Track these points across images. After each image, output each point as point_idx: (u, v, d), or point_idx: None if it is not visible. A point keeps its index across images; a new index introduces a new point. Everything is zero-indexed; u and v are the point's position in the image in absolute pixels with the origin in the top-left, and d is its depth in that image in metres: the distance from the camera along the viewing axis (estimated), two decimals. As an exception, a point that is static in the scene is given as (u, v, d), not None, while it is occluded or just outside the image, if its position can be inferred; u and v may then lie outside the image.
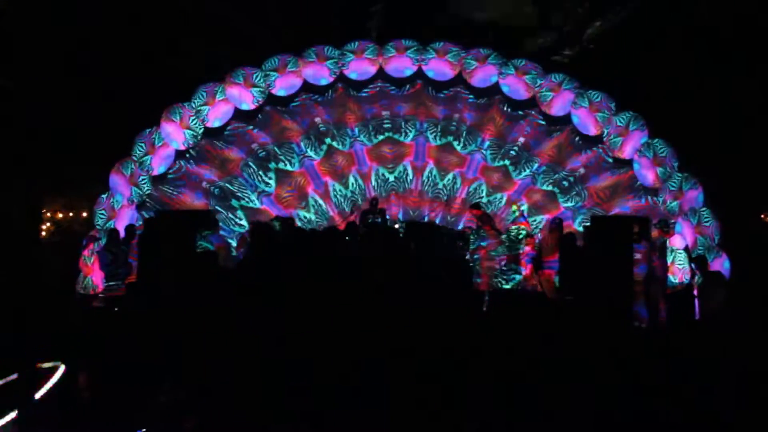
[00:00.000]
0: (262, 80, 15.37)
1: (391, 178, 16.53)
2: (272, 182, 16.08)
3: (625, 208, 14.85)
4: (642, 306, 11.81)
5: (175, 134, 14.93)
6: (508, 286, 12.55)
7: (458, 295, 9.18)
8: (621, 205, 14.93)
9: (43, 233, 15.41)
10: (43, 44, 15.21)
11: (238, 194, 15.77)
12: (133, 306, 10.79)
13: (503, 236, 13.06)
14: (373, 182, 16.50)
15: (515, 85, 15.31)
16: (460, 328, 7.97)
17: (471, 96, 15.84)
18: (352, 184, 16.47)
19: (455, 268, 10.82)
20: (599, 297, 9.88)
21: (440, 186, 16.45)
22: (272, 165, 16.04)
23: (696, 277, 12.41)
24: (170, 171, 15.22)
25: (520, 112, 15.69)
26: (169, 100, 15.03)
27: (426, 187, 16.49)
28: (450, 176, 16.41)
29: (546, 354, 7.75)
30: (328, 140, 16.27)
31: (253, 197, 15.89)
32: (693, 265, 12.65)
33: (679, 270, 12.94)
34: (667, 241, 12.64)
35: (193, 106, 15.03)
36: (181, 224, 11.07)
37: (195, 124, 15.05)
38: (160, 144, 14.78)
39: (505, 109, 15.76)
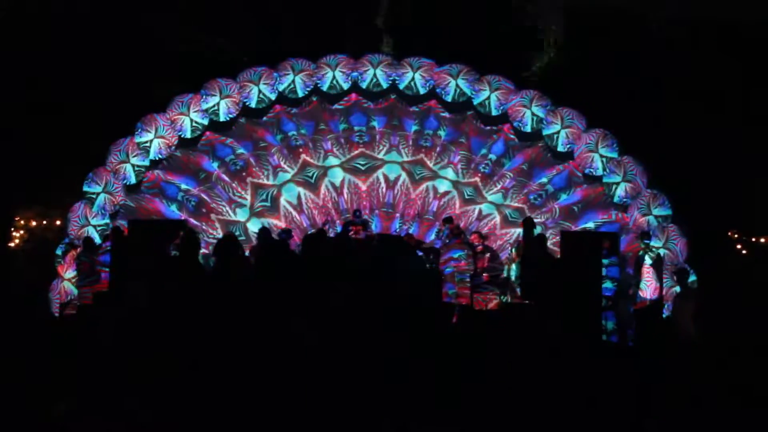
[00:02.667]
0: (236, 92, 15.48)
1: (364, 188, 16.55)
2: (248, 195, 16.11)
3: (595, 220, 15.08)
4: (611, 320, 12.03)
5: (149, 144, 14.95)
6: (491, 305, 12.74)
7: (428, 306, 9.21)
8: (589, 219, 15.14)
9: (16, 240, 15.29)
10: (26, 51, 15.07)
11: (213, 205, 15.79)
12: (104, 315, 10.74)
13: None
14: (346, 192, 16.53)
15: (488, 101, 15.52)
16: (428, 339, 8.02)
17: (444, 110, 16.01)
18: (324, 194, 16.50)
19: (426, 280, 10.85)
20: (565, 307, 9.98)
21: (413, 197, 16.50)
22: (248, 179, 16.09)
23: (673, 290, 12.65)
24: (144, 180, 15.23)
25: (493, 128, 15.87)
26: (144, 109, 15.05)
27: (398, 199, 16.57)
28: (422, 188, 16.47)
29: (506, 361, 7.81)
30: (302, 156, 16.38)
31: (227, 209, 15.91)
32: (674, 278, 12.89)
33: (647, 286, 13.09)
34: (645, 256, 12.86)
35: (168, 116, 15.05)
36: (153, 234, 11.07)
37: (169, 134, 15.08)
38: (134, 154, 14.78)
39: (477, 124, 15.93)
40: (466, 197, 16.25)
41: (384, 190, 16.54)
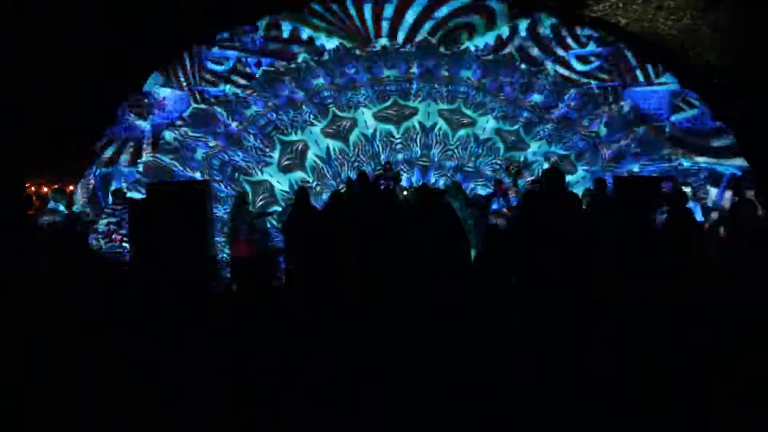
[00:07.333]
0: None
1: (398, 136, 15.39)
2: (276, 153, 15.13)
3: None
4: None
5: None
6: None
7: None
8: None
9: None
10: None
11: (244, 167, 14.89)
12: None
13: None
14: (378, 141, 15.40)
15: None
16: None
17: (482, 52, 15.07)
18: (355, 144, 15.37)
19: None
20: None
21: (451, 143, 15.37)
22: (276, 137, 15.11)
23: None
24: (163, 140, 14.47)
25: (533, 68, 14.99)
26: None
27: (436, 144, 15.47)
28: (462, 133, 15.35)
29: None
30: (332, 108, 15.32)
31: (256, 169, 14.98)
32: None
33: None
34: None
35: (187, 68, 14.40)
36: (170, 197, 10.13)
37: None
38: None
39: (519, 65, 14.97)
40: (509, 144, 15.24)
41: (420, 135, 15.44)
